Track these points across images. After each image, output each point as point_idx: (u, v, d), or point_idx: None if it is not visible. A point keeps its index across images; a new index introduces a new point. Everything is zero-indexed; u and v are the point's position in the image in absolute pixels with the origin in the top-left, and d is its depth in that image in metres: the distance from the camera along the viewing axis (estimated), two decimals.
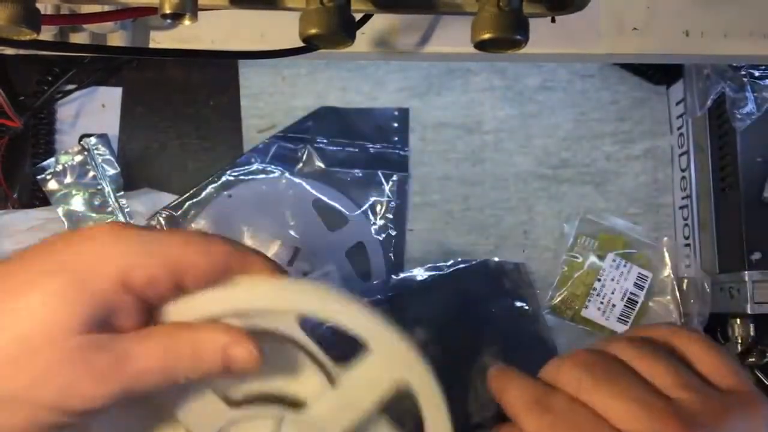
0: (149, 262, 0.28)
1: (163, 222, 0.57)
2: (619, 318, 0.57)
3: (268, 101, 0.60)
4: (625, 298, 0.58)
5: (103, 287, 0.27)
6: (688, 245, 0.59)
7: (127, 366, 0.27)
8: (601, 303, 0.58)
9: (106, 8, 0.33)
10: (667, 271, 0.59)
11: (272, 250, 0.57)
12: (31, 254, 0.29)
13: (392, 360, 0.30)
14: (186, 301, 0.30)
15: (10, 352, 0.26)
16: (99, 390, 0.27)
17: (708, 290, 0.57)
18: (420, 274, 0.58)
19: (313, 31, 0.26)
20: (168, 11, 0.26)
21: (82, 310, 0.27)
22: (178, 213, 0.57)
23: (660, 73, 0.61)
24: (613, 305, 0.57)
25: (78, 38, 0.45)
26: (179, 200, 0.58)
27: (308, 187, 0.58)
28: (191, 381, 0.29)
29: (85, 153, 0.56)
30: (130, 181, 0.59)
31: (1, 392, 0.26)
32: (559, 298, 0.58)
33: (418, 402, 0.31)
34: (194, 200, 0.58)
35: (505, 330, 0.57)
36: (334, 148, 0.59)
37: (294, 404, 0.31)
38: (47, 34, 0.43)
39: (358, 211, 0.58)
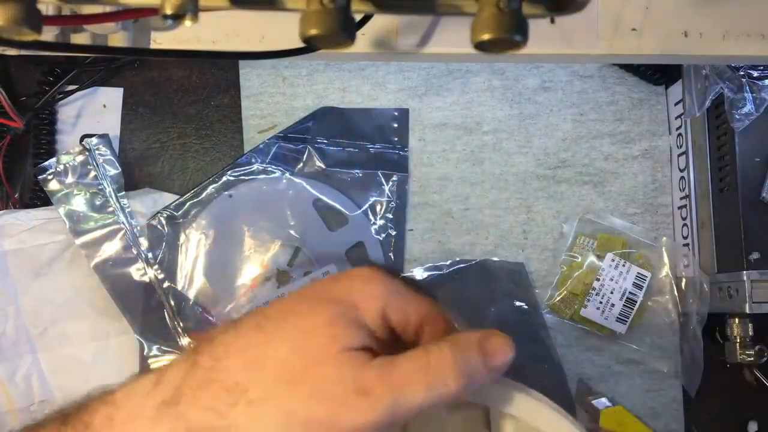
0: (405, 302, 0.32)
1: (163, 222, 0.57)
2: (618, 318, 0.57)
3: (269, 102, 0.61)
4: (624, 298, 0.58)
5: (369, 315, 0.31)
6: (686, 245, 0.59)
7: (393, 378, 0.28)
8: (600, 303, 0.58)
9: (108, 9, 0.33)
10: (666, 270, 0.59)
11: (272, 250, 0.57)
12: (312, 289, 0.33)
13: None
14: None
15: (294, 362, 0.28)
16: (367, 408, 0.27)
17: (707, 290, 0.57)
18: (420, 274, 0.58)
19: (314, 31, 0.26)
20: (169, 12, 0.26)
21: (354, 333, 0.30)
22: (179, 213, 0.58)
23: (659, 74, 0.61)
24: (612, 305, 0.58)
25: (79, 39, 0.45)
26: (180, 200, 0.58)
27: (308, 187, 0.58)
28: (453, 396, 0.29)
29: (87, 153, 0.56)
30: (131, 181, 0.59)
31: (282, 407, 0.28)
32: (558, 298, 0.59)
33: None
34: (195, 200, 0.58)
35: (504, 330, 0.57)
36: (334, 148, 0.59)
37: None
38: (49, 34, 0.44)
39: (358, 211, 0.59)
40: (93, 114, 0.61)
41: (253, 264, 0.57)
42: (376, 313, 0.31)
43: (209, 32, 0.46)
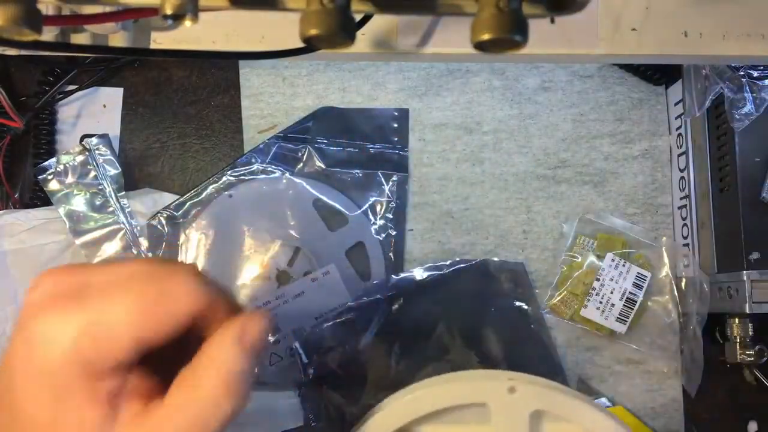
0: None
1: (163, 222, 0.57)
2: (618, 317, 0.57)
3: (269, 102, 0.61)
4: (624, 298, 0.58)
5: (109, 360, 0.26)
6: (686, 245, 0.59)
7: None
8: (600, 303, 0.58)
9: (108, 9, 0.33)
10: (666, 270, 0.59)
11: (272, 250, 0.57)
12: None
13: (515, 403, 0.33)
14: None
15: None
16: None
17: (706, 290, 0.57)
18: (420, 274, 0.58)
19: (314, 32, 0.26)
20: (169, 12, 0.26)
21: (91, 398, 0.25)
22: (179, 213, 0.58)
23: (659, 74, 0.61)
24: (612, 305, 0.58)
25: (79, 39, 0.45)
26: (180, 200, 0.58)
27: (308, 187, 0.58)
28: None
29: (87, 153, 0.56)
30: (131, 181, 0.59)
31: None
32: (558, 298, 0.59)
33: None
34: (195, 200, 0.58)
35: (504, 329, 0.57)
36: (334, 148, 0.59)
37: None
38: (49, 34, 0.44)
39: (358, 211, 0.59)
40: (93, 114, 0.61)
41: (253, 264, 0.57)
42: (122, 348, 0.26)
43: (209, 32, 0.46)
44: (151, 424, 0.25)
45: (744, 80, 0.54)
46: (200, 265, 0.57)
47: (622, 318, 0.58)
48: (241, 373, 0.27)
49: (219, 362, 0.26)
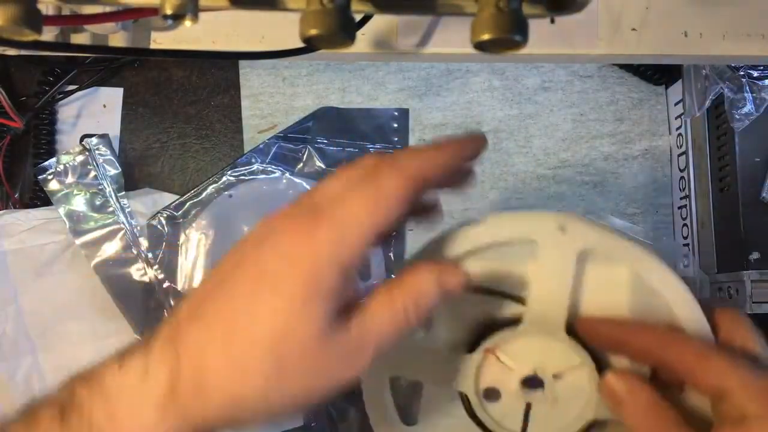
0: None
1: (163, 222, 0.57)
2: None
3: (269, 102, 0.61)
4: None
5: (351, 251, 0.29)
6: (686, 245, 0.59)
7: (368, 327, 0.29)
8: None
9: (108, 9, 0.33)
10: None
11: None
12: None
13: (563, 242, 0.33)
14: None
15: (276, 355, 0.28)
16: (347, 373, 0.29)
17: (707, 290, 0.57)
18: None
19: (314, 32, 0.26)
20: (169, 12, 0.26)
21: (334, 297, 0.29)
22: (179, 213, 0.58)
23: (659, 74, 0.61)
24: None
25: (79, 39, 0.45)
26: (180, 200, 0.58)
27: (308, 187, 0.58)
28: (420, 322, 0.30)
29: (87, 153, 0.56)
30: (131, 181, 0.59)
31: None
32: None
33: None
34: (195, 200, 0.58)
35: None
36: (334, 148, 0.59)
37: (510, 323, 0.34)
38: (49, 34, 0.43)
39: None
40: (93, 114, 0.61)
41: None
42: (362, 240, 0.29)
43: (209, 32, 0.46)
44: (351, 325, 0.29)
45: (744, 80, 0.54)
46: (200, 265, 0.57)
47: None
48: (428, 306, 0.30)
49: (415, 289, 0.30)
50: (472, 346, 0.34)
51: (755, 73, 0.54)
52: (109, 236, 0.56)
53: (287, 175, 0.58)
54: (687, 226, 0.59)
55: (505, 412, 0.34)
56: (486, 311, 0.35)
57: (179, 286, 0.57)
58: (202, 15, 0.27)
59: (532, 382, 0.34)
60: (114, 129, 0.60)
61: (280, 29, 0.45)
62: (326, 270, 0.28)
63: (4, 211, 0.57)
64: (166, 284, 0.56)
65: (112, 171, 0.57)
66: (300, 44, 0.27)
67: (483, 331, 0.35)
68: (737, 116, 0.54)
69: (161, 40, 0.46)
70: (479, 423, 0.35)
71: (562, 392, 0.33)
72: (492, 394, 0.34)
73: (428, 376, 0.35)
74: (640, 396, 0.31)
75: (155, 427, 0.28)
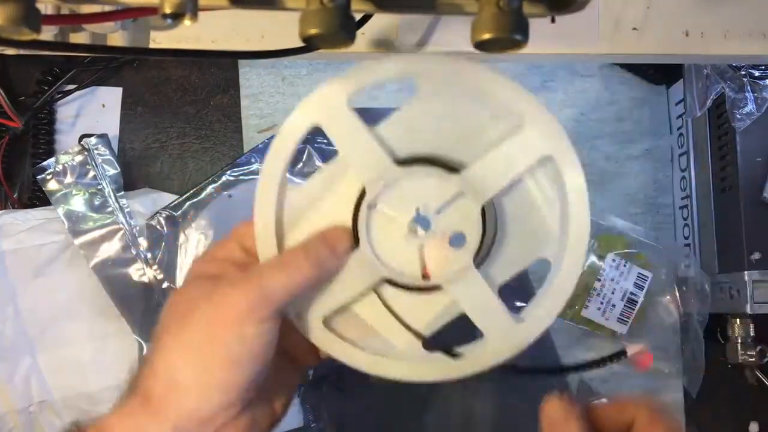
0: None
1: (163, 222, 0.57)
2: (618, 318, 0.57)
3: (269, 101, 0.61)
4: (625, 298, 0.58)
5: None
6: (688, 245, 0.59)
7: (257, 276, 0.32)
8: (601, 303, 0.58)
9: (107, 8, 0.33)
10: (667, 271, 0.59)
11: None
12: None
13: (543, 134, 0.34)
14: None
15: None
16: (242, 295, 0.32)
17: (708, 290, 0.57)
18: None
19: (313, 31, 0.26)
20: (168, 11, 0.26)
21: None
22: (178, 213, 0.57)
23: (660, 74, 0.61)
24: (613, 305, 0.57)
25: (78, 38, 0.45)
26: (179, 200, 0.58)
27: None
28: (312, 278, 0.33)
29: (86, 153, 0.56)
30: (130, 181, 0.59)
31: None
32: None
33: (561, 173, 0.34)
34: (194, 200, 0.58)
35: None
36: (334, 148, 0.59)
37: (451, 169, 0.34)
38: (48, 34, 0.43)
39: None
40: (92, 114, 0.60)
41: None
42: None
43: (209, 32, 0.46)
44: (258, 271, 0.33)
45: (745, 80, 0.54)
46: None
47: (623, 318, 0.57)
48: (321, 254, 0.33)
49: (304, 243, 0.34)
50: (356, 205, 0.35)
51: (756, 73, 0.54)
52: (108, 236, 0.56)
53: (287, 175, 0.58)
54: (688, 226, 0.59)
55: (402, 261, 0.35)
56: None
57: (178, 286, 0.56)
58: (202, 14, 0.27)
59: (420, 223, 0.35)
60: (113, 129, 0.60)
61: (280, 29, 0.45)
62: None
63: (3, 211, 0.57)
64: (165, 284, 0.56)
65: (111, 171, 0.57)
66: (300, 44, 0.27)
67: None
68: (738, 116, 0.54)
69: (160, 40, 0.46)
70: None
71: (449, 225, 0.34)
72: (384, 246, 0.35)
73: (350, 152, 0.36)
74: (572, 425, 0.32)
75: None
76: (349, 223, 0.35)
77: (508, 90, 0.34)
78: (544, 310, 0.36)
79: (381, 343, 0.37)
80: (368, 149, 0.34)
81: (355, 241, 0.35)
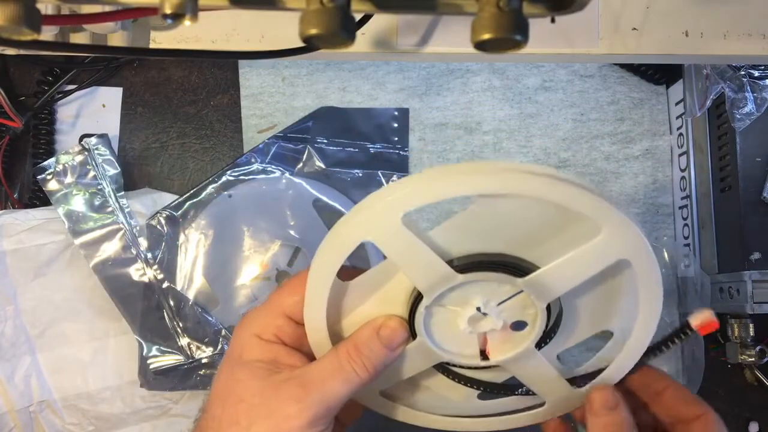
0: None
1: (163, 222, 0.57)
2: None
3: (269, 101, 0.61)
4: None
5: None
6: (687, 245, 0.59)
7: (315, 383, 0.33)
8: None
9: (107, 9, 0.33)
10: (667, 271, 0.59)
11: (272, 250, 0.57)
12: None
13: (619, 239, 0.32)
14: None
15: None
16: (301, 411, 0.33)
17: (707, 290, 0.57)
18: None
19: (313, 31, 0.26)
20: (168, 11, 0.26)
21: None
22: (179, 213, 0.57)
23: (659, 74, 0.61)
24: None
25: (78, 38, 0.45)
26: (179, 200, 0.58)
27: (308, 187, 0.58)
28: (368, 380, 0.34)
29: (86, 153, 0.56)
30: (130, 181, 0.59)
31: None
32: None
33: (637, 279, 0.33)
34: (194, 200, 0.58)
35: None
36: (334, 148, 0.59)
37: (513, 268, 0.33)
38: (48, 34, 0.43)
39: None
40: (92, 114, 0.60)
41: (253, 264, 0.57)
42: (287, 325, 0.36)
43: (209, 32, 0.46)
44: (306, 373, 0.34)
45: (745, 80, 0.54)
46: (200, 265, 0.57)
47: None
48: (376, 355, 0.34)
49: (360, 342, 0.34)
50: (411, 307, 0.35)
51: (756, 73, 0.54)
52: (108, 236, 0.56)
53: (287, 175, 0.58)
54: (688, 226, 0.59)
55: (461, 345, 0.35)
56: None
57: (178, 286, 0.56)
58: (202, 14, 0.27)
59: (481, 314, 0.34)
60: (113, 129, 0.60)
61: (280, 29, 0.45)
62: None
63: (3, 211, 0.57)
64: (165, 284, 0.56)
65: (112, 171, 0.57)
66: (300, 44, 0.27)
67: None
68: (738, 116, 0.54)
69: (161, 40, 0.46)
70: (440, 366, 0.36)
71: (511, 315, 0.34)
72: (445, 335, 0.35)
73: (407, 267, 0.34)
74: (615, 414, 0.35)
75: None
76: (403, 311, 0.34)
77: (581, 199, 0.31)
78: (601, 380, 0.36)
79: (437, 400, 0.38)
80: (426, 262, 0.32)
81: (411, 329, 0.34)
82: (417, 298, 0.33)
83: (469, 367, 0.36)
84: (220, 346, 0.56)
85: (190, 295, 0.56)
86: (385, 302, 0.34)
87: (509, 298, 0.33)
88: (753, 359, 0.56)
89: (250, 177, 0.58)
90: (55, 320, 0.56)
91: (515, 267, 0.33)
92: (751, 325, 0.56)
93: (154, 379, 0.56)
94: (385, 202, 0.31)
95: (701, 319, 0.35)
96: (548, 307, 0.33)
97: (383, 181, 0.59)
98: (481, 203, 0.32)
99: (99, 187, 0.56)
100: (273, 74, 0.61)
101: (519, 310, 0.34)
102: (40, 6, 0.27)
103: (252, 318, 0.36)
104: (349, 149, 0.59)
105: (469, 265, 0.32)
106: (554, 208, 0.31)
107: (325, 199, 0.58)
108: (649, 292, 0.33)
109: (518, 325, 0.34)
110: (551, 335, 0.35)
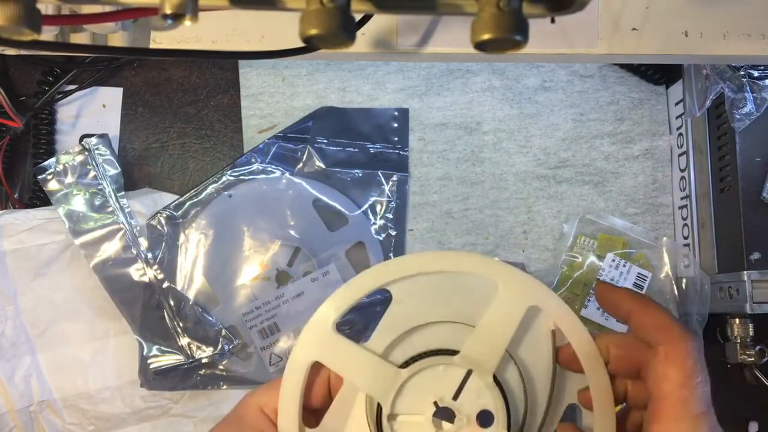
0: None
1: (163, 222, 0.57)
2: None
3: (269, 101, 0.61)
4: None
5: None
6: (687, 245, 0.59)
7: None
8: None
9: (107, 9, 0.33)
10: (667, 271, 0.59)
11: (272, 250, 0.57)
12: None
13: (520, 291, 0.34)
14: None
15: None
16: None
17: (707, 290, 0.57)
18: None
19: (314, 31, 0.26)
20: (168, 12, 0.26)
21: None
22: (179, 213, 0.57)
23: (659, 74, 0.61)
24: None
25: (79, 38, 0.45)
26: (180, 200, 0.58)
27: (308, 187, 0.58)
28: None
29: (86, 153, 0.56)
30: (130, 181, 0.59)
31: None
32: None
33: (551, 317, 0.35)
34: (195, 200, 0.58)
35: None
36: (334, 148, 0.59)
37: (447, 353, 0.35)
38: (48, 34, 0.43)
39: (358, 211, 0.58)
40: (92, 114, 0.60)
41: (253, 264, 0.57)
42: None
43: (209, 32, 0.46)
44: None
45: (744, 80, 0.54)
46: (200, 265, 0.57)
47: None
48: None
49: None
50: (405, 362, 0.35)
51: (756, 73, 0.54)
52: (108, 236, 0.56)
53: (287, 175, 0.58)
54: (687, 226, 0.59)
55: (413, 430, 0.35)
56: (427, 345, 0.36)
57: (179, 286, 0.56)
58: (202, 14, 0.27)
59: (443, 416, 0.34)
60: (113, 129, 0.60)
61: (280, 29, 0.45)
62: None
63: (4, 211, 0.57)
64: (165, 284, 0.56)
65: (112, 171, 0.57)
66: (300, 44, 0.27)
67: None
68: (738, 116, 0.54)
69: (161, 40, 0.46)
70: None
71: (472, 406, 0.34)
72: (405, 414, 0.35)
73: (353, 374, 0.35)
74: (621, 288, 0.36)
75: None
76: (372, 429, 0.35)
77: (475, 266, 0.35)
78: None
79: None
80: (368, 366, 0.34)
81: None
82: (378, 413, 0.34)
83: None
84: (220, 346, 0.56)
85: (191, 295, 0.56)
86: (353, 425, 0.35)
87: (462, 386, 0.34)
88: (753, 359, 0.56)
89: (250, 177, 0.58)
90: (55, 320, 0.56)
91: (451, 351, 0.35)
92: (750, 325, 0.56)
93: (154, 378, 0.56)
94: (316, 315, 0.35)
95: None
96: (503, 390, 0.34)
97: (383, 181, 0.59)
98: (395, 305, 0.36)
99: (99, 187, 0.56)
100: (273, 74, 0.61)
101: (476, 397, 0.34)
102: (40, 6, 0.27)
103: (261, 393, 0.36)
104: (349, 149, 0.60)
105: (409, 359, 0.35)
106: (459, 288, 0.35)
107: (325, 199, 0.58)
108: (567, 326, 0.35)
109: (485, 418, 0.34)
110: (526, 411, 0.35)
